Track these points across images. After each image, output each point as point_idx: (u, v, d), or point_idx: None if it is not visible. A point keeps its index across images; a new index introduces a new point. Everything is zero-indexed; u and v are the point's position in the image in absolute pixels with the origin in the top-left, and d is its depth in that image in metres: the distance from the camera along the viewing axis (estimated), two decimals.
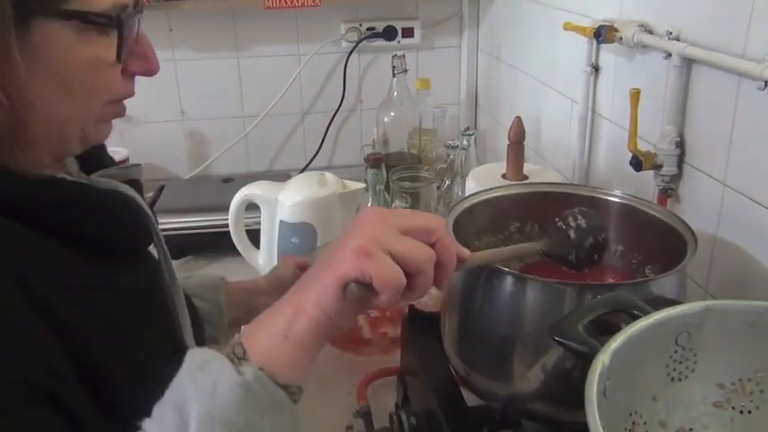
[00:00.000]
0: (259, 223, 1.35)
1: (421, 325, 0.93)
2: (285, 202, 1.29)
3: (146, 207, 0.70)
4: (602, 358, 0.47)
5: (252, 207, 1.33)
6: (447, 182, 1.57)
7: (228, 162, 1.86)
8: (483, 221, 0.94)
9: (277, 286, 1.04)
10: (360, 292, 0.53)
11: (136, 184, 0.71)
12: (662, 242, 0.84)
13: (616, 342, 0.49)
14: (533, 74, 1.52)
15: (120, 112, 0.66)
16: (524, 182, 0.94)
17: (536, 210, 0.94)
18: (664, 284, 0.71)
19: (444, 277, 0.58)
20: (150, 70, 0.65)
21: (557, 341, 0.53)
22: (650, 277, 0.69)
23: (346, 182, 1.35)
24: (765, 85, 0.80)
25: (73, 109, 0.59)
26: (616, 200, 0.90)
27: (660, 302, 0.69)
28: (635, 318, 0.54)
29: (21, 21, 0.52)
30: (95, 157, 0.70)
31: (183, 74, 1.77)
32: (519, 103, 1.63)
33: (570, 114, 1.33)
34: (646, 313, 0.54)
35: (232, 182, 1.69)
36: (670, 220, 0.83)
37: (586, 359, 0.50)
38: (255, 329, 0.56)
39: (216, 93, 1.80)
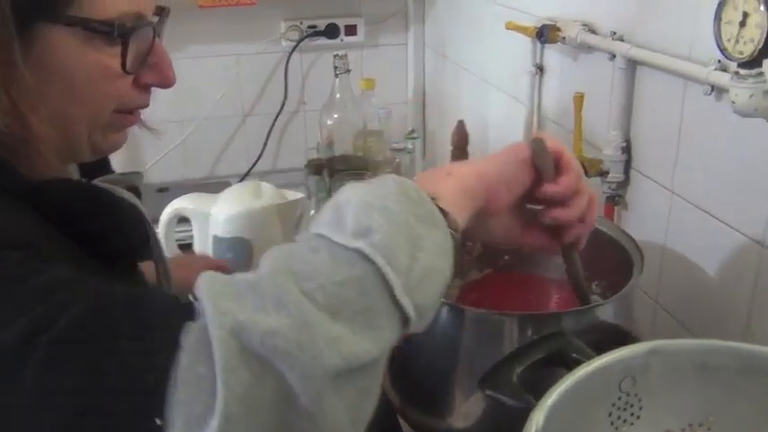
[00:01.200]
0: (193, 236, 1.28)
1: None
2: (218, 216, 1.21)
3: (146, 215, 0.70)
4: (537, 418, 0.42)
5: (186, 219, 1.25)
6: None
7: (165, 169, 1.76)
8: None
9: None
10: (544, 149, 0.58)
11: (135, 192, 0.71)
12: (609, 257, 0.79)
13: (552, 397, 0.43)
14: (478, 73, 1.47)
15: (133, 122, 0.64)
16: None
17: None
18: (609, 310, 0.66)
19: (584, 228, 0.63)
20: (165, 83, 0.62)
21: (488, 395, 0.47)
22: (594, 304, 0.64)
23: (285, 192, 1.28)
24: (712, 90, 0.76)
25: (79, 114, 0.58)
26: None
27: (606, 329, 0.65)
28: (576, 362, 0.49)
29: (22, 25, 0.52)
30: (95, 165, 0.70)
31: None
32: (465, 104, 1.58)
33: (516, 116, 1.28)
34: (586, 357, 0.48)
35: (167, 192, 1.60)
36: (616, 235, 0.79)
37: (522, 414, 0.45)
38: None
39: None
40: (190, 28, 1.66)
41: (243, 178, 1.81)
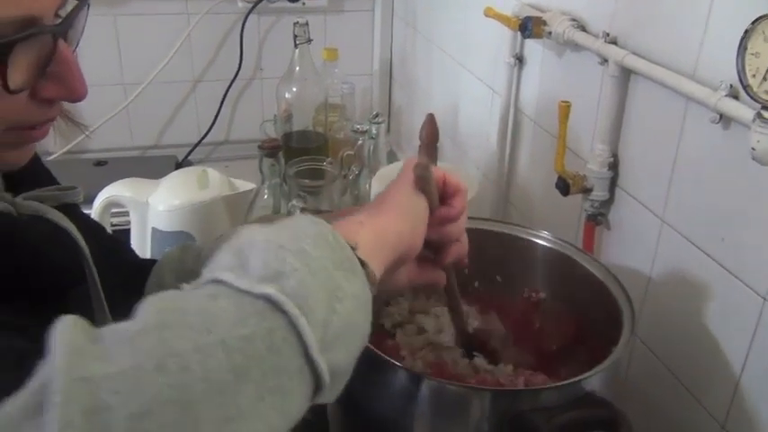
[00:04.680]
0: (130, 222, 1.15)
1: None
2: (158, 207, 1.09)
3: (79, 239, 0.60)
4: None
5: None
6: (355, 171, 1.39)
7: (107, 137, 1.61)
8: None
9: None
10: (429, 174, 0.55)
11: (72, 209, 0.62)
12: (592, 298, 0.71)
13: None
14: (451, 53, 1.35)
15: (36, 137, 0.54)
16: None
17: None
18: (594, 380, 0.57)
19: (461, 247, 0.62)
20: (71, 97, 0.52)
21: None
22: (578, 378, 0.55)
23: (234, 181, 1.16)
24: (720, 119, 0.66)
25: None
26: (541, 242, 0.76)
27: (591, 401, 0.57)
28: None
29: None
30: (26, 174, 0.59)
31: None
32: (435, 84, 1.46)
33: (491, 106, 1.18)
34: None
35: (106, 165, 1.46)
36: (603, 277, 0.70)
37: None
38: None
39: (89, 56, 1.53)
40: None
41: (193, 149, 1.68)
